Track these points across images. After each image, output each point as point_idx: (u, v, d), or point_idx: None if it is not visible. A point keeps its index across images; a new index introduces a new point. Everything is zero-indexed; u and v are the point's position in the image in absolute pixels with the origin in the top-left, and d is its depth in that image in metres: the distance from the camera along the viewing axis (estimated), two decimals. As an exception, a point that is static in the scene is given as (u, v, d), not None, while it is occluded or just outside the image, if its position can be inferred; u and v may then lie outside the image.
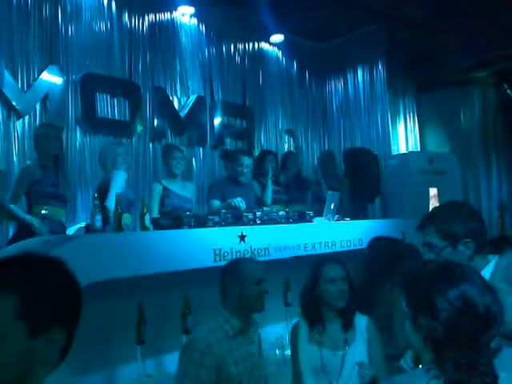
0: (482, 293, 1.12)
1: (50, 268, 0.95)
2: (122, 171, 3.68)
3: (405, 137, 6.73)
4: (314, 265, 2.34)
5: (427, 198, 5.83)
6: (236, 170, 4.14)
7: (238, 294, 2.16)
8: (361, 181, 5.58)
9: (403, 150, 6.61)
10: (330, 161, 5.53)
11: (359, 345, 2.19)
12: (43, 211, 3.33)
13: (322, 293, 2.24)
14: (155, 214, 3.77)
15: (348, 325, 2.22)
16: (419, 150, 6.81)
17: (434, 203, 5.72)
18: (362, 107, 6.69)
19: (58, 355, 0.93)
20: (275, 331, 3.32)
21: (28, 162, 3.45)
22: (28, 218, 3.27)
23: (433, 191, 5.93)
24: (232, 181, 4.20)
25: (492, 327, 1.10)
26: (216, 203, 4.03)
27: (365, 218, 5.30)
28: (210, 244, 2.86)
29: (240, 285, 2.16)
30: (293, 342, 2.33)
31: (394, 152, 6.44)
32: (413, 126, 6.88)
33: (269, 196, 4.46)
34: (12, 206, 3.30)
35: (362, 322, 2.26)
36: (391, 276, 2.58)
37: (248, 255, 3.01)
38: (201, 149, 5.55)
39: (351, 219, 4.07)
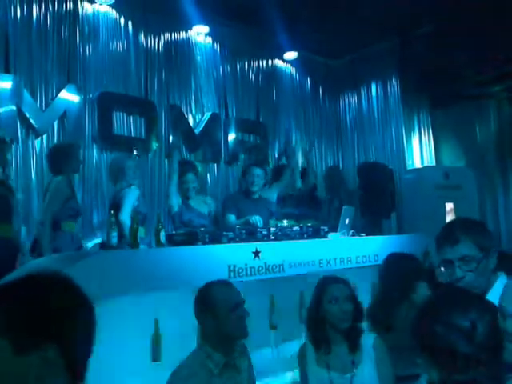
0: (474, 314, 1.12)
1: (44, 286, 0.95)
2: (136, 189, 3.69)
3: (420, 151, 6.69)
4: (318, 284, 2.26)
5: (443, 212, 5.76)
6: (248, 181, 4.19)
7: (215, 325, 1.97)
8: (376, 195, 5.55)
9: (418, 164, 6.57)
10: (336, 176, 5.53)
11: (367, 365, 2.11)
12: (67, 228, 3.36)
13: (325, 313, 2.15)
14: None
15: (355, 346, 2.13)
16: (434, 164, 6.75)
17: (450, 218, 5.65)
18: (376, 122, 6.68)
19: (61, 372, 0.91)
20: (290, 349, 3.28)
21: (59, 178, 3.47)
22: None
23: (449, 206, 5.87)
24: (246, 195, 4.24)
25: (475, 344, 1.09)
26: (231, 218, 4.06)
27: (380, 233, 5.25)
28: (224, 260, 2.86)
29: (214, 314, 1.97)
30: (301, 363, 2.25)
31: (409, 167, 6.40)
32: (428, 140, 6.84)
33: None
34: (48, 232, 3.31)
35: (369, 340, 2.17)
36: (409, 292, 2.54)
37: (262, 271, 3.00)
38: (215, 165, 5.59)
39: (366, 235, 4.04)
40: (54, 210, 3.35)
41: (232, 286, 2.13)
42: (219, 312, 1.97)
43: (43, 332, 0.90)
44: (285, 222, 3.68)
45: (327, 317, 2.15)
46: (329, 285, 2.20)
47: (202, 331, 2.04)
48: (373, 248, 3.70)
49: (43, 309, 0.92)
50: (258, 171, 4.25)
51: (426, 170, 6.35)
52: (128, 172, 3.69)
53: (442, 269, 1.69)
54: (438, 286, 1.72)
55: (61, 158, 3.52)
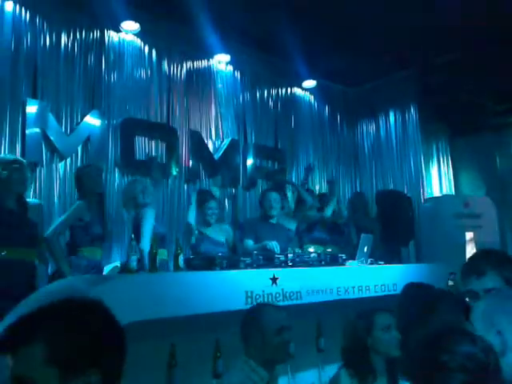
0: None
1: (83, 312, 0.96)
2: (151, 209, 3.71)
3: (438, 180, 6.66)
4: (363, 314, 2.27)
5: (463, 242, 5.68)
6: (265, 206, 4.24)
7: (260, 345, 2.07)
8: (394, 223, 5.52)
9: (437, 193, 6.52)
10: (360, 202, 5.55)
11: None
12: (86, 253, 3.39)
13: (375, 342, 2.15)
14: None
15: (395, 378, 2.12)
16: (454, 193, 6.70)
17: (470, 248, 5.57)
18: (394, 150, 6.69)
19: None
20: (307, 379, 3.23)
21: (78, 202, 3.52)
22: (64, 267, 3.24)
23: (469, 235, 5.79)
24: (264, 220, 4.27)
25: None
26: (250, 243, 4.08)
27: (399, 261, 5.19)
28: (241, 286, 2.86)
29: (261, 334, 2.08)
30: None
31: (428, 195, 6.36)
32: (447, 169, 6.81)
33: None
34: (55, 244, 3.29)
35: None
36: (427, 322, 2.50)
37: (280, 298, 2.98)
38: (233, 190, 5.64)
39: (385, 263, 4.00)
40: (58, 229, 3.35)
41: (281, 309, 2.23)
42: (265, 333, 2.07)
43: (87, 358, 0.91)
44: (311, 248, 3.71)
45: (378, 346, 2.16)
46: (378, 313, 2.22)
47: (247, 348, 2.12)
48: (391, 277, 3.66)
49: (86, 335, 0.92)
50: (274, 196, 4.30)
51: (445, 198, 6.30)
52: (138, 195, 3.71)
53: (467, 299, 1.68)
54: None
55: (79, 181, 3.60)
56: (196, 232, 4.02)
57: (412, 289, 2.83)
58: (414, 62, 6.02)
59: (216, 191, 5.19)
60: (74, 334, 0.92)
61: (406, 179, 6.46)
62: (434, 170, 6.62)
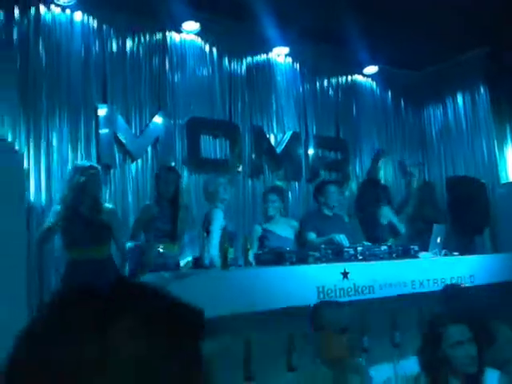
0: None
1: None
2: (219, 210, 3.78)
3: (514, 163, 6.27)
4: (433, 324, 2.06)
5: (544, 229, 5.34)
6: (323, 199, 4.19)
7: (324, 344, 2.04)
8: (467, 211, 5.29)
9: (513, 177, 6.15)
10: (428, 193, 5.37)
11: None
12: (160, 248, 3.55)
13: (446, 357, 1.94)
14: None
15: None
16: (531, 176, 6.29)
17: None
18: (465, 134, 6.37)
19: None
20: (382, 373, 3.18)
21: (147, 203, 3.71)
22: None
23: (550, 221, 5.43)
24: (324, 213, 4.23)
25: None
26: (312, 236, 4.06)
27: (473, 251, 4.98)
28: (313, 281, 2.87)
29: (324, 334, 2.04)
30: None
31: (503, 180, 6.01)
32: (523, 151, 6.40)
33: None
34: (128, 243, 3.55)
35: (492, 379, 1.98)
36: None
37: (352, 293, 2.97)
38: (296, 183, 5.63)
39: (459, 254, 3.86)
40: (132, 230, 3.66)
41: (344, 308, 2.14)
42: (327, 333, 2.03)
43: None
44: None
45: (450, 361, 1.96)
46: (448, 327, 1.99)
47: (314, 346, 2.12)
48: (468, 269, 3.52)
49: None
50: (333, 189, 4.24)
51: (522, 183, 5.94)
52: (219, 189, 3.83)
53: None
54: None
55: (155, 182, 3.82)
56: (260, 229, 4.01)
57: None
58: (483, 43, 5.68)
59: (281, 185, 5.19)
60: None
61: (479, 164, 6.14)
62: (508, 154, 6.24)
